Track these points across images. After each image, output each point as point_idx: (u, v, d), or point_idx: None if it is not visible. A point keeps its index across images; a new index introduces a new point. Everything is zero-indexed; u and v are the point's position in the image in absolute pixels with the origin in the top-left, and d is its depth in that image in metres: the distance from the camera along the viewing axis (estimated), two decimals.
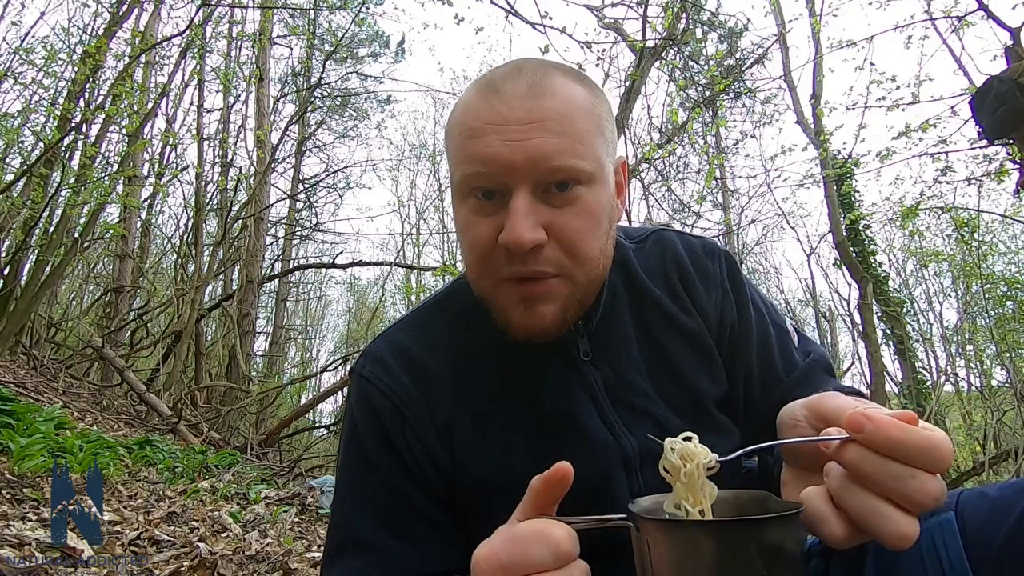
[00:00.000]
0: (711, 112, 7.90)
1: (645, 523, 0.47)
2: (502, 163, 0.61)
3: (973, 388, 9.60)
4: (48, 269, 6.20)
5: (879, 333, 7.90)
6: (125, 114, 6.76)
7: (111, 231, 7.85)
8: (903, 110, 6.38)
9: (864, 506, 0.45)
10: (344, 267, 10.80)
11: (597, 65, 6.58)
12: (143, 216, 9.56)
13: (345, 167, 13.44)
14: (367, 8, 8.90)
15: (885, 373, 7.73)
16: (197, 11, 6.87)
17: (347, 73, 13.06)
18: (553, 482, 0.49)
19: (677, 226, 8.73)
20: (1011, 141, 3.56)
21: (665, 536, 0.45)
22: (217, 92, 10.33)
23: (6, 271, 6.25)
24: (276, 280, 12.22)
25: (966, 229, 7.05)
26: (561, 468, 0.48)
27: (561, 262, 0.65)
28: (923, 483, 0.44)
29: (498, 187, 0.63)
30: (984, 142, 4.87)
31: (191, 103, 9.96)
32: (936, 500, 0.44)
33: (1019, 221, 8.04)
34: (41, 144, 6.71)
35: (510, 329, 0.68)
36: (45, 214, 6.58)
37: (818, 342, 0.89)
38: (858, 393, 0.74)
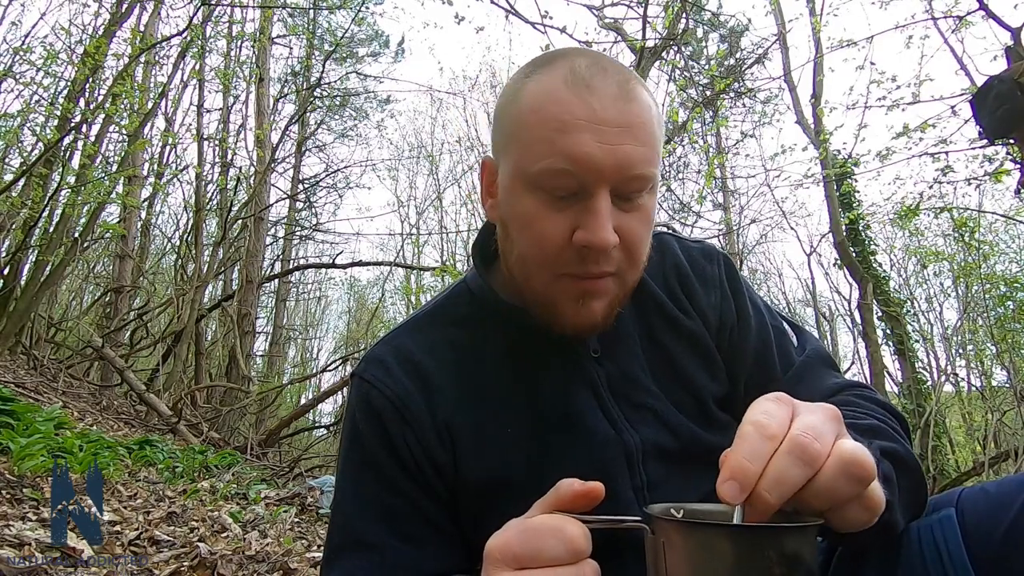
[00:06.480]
0: (711, 112, 7.90)
1: (662, 525, 0.46)
2: (593, 165, 0.60)
3: (973, 388, 9.61)
4: (48, 269, 6.20)
5: (879, 333, 7.90)
6: (125, 114, 6.76)
7: (111, 231, 7.85)
8: (903, 110, 6.38)
9: None
10: (344, 267, 10.79)
11: None
12: (143, 216, 9.55)
13: (345, 167, 13.46)
14: (367, 8, 8.91)
15: (885, 373, 7.73)
16: (197, 11, 6.88)
17: (347, 73, 13.08)
18: (585, 495, 0.49)
19: (677, 226, 8.72)
20: (1011, 141, 3.56)
21: (683, 538, 0.45)
22: (217, 92, 10.33)
23: (6, 271, 6.25)
24: (276, 280, 12.22)
25: (965, 229, 7.06)
26: (597, 488, 0.49)
27: (620, 264, 0.66)
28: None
29: (579, 187, 0.63)
30: (984, 142, 4.87)
31: (191, 103, 9.96)
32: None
33: (1019, 221, 8.04)
34: (41, 144, 6.70)
35: (556, 323, 0.68)
36: (45, 214, 6.58)
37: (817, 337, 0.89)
38: (859, 385, 0.75)
